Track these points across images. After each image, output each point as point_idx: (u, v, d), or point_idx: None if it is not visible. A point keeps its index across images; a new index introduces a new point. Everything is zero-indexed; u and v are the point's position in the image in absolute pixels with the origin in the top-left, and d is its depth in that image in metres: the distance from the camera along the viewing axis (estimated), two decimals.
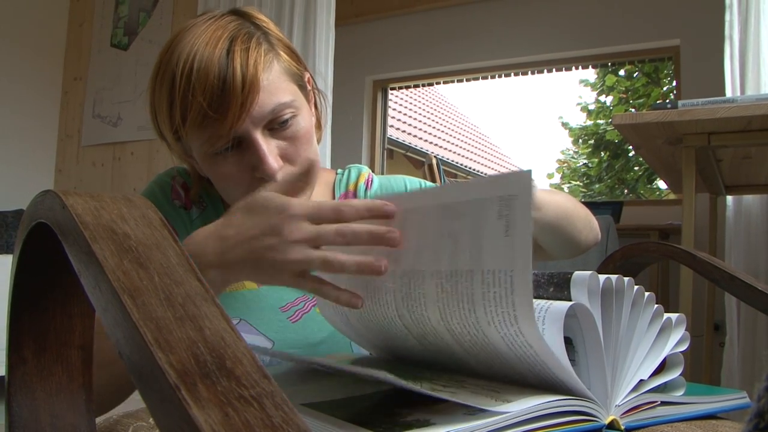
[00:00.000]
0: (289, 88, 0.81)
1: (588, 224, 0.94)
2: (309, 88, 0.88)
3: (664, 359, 0.55)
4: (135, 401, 0.74)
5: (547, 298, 0.51)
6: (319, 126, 0.91)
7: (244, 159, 0.79)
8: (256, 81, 0.76)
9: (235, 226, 0.59)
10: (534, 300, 0.51)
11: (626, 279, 0.50)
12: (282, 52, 0.82)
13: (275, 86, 0.78)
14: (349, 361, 0.62)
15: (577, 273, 0.50)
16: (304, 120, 0.82)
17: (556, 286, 0.51)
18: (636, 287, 0.51)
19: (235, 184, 0.81)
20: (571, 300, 0.49)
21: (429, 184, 1.01)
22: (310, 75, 0.89)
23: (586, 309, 0.47)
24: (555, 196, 0.86)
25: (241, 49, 0.76)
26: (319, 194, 0.96)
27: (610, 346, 0.49)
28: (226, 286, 0.61)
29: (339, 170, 1.02)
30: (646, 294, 0.52)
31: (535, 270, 0.57)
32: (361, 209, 0.56)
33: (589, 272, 0.49)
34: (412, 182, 1.01)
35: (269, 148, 0.78)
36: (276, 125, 0.79)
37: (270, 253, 0.56)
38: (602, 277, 0.49)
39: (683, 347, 0.56)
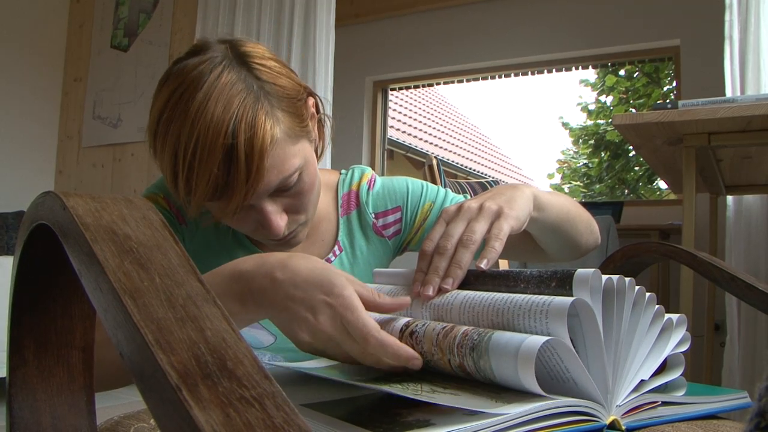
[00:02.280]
0: (293, 152, 0.78)
1: (589, 227, 0.95)
2: (312, 112, 0.86)
3: (665, 359, 0.55)
4: (136, 402, 0.74)
5: (549, 294, 0.51)
6: (321, 138, 0.91)
7: (250, 215, 0.80)
8: (261, 166, 0.74)
9: (289, 274, 0.59)
10: (536, 296, 0.51)
11: (627, 279, 0.50)
12: (283, 114, 0.78)
13: (280, 160, 0.76)
14: (349, 369, 0.61)
15: (580, 270, 0.50)
16: (310, 173, 0.82)
17: (559, 282, 0.52)
18: (637, 288, 0.51)
19: (242, 229, 0.84)
20: (573, 297, 0.49)
21: (432, 186, 1.01)
22: (315, 98, 0.88)
23: (588, 305, 0.47)
24: (558, 198, 0.87)
25: (245, 136, 0.72)
26: (323, 195, 0.97)
27: (611, 345, 0.49)
28: (252, 317, 0.62)
29: (342, 171, 1.03)
30: (647, 295, 0.52)
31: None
32: (390, 357, 0.55)
33: (592, 270, 0.50)
34: (414, 184, 1.01)
35: (275, 209, 0.80)
36: (282, 189, 0.79)
37: (296, 324, 0.58)
38: (604, 277, 0.49)
39: (684, 348, 0.56)
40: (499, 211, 0.70)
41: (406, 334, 0.57)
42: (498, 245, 0.67)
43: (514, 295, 0.53)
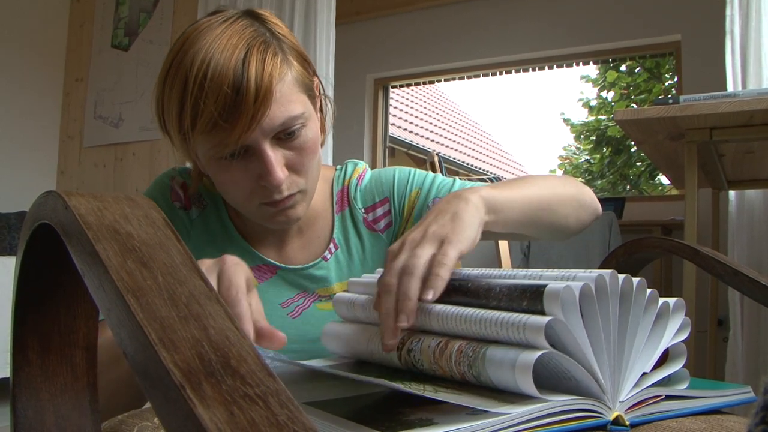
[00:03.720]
0: (299, 99, 0.80)
1: (577, 204, 0.90)
2: (317, 94, 0.87)
3: (666, 350, 0.55)
4: None
5: (521, 311, 0.50)
6: (323, 129, 0.91)
7: (250, 166, 0.79)
8: (270, 93, 0.75)
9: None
10: (508, 313, 0.50)
11: (607, 273, 0.48)
12: (295, 62, 0.81)
13: (287, 98, 0.78)
14: (354, 368, 0.61)
15: (550, 286, 0.48)
16: (312, 131, 0.83)
17: (529, 300, 0.49)
18: (622, 277, 0.49)
19: (238, 188, 0.82)
20: (545, 313, 0.48)
21: (420, 172, 0.99)
22: (319, 80, 0.89)
23: (563, 323, 0.46)
24: (525, 189, 0.83)
25: (256, 59, 0.75)
26: (319, 190, 0.97)
27: (601, 346, 0.48)
28: None
29: (338, 167, 1.02)
30: (635, 281, 0.50)
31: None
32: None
33: (563, 285, 0.47)
34: (402, 172, 0.99)
35: (276, 158, 0.79)
36: (284, 135, 0.79)
37: None
38: (576, 286, 0.47)
39: (684, 335, 0.55)
40: (442, 235, 0.64)
41: (404, 352, 0.56)
42: (444, 272, 0.59)
43: (487, 313, 0.51)
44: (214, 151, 0.78)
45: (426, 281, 0.58)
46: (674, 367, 0.55)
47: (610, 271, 0.49)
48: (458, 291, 0.57)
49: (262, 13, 0.84)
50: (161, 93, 0.80)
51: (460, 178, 1.00)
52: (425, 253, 0.61)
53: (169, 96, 0.78)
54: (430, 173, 0.99)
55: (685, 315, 0.55)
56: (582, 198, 0.92)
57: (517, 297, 0.51)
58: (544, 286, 0.48)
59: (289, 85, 0.79)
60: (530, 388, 0.44)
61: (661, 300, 0.52)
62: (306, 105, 0.82)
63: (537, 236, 0.90)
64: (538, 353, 0.45)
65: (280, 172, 0.79)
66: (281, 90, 0.77)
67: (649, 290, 0.51)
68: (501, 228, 0.78)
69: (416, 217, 0.96)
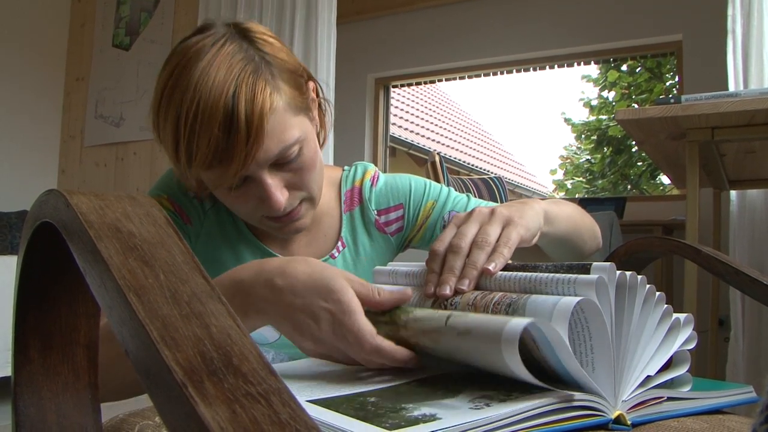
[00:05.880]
0: (293, 123, 0.79)
1: (592, 234, 0.96)
2: (312, 97, 0.87)
3: (671, 356, 0.55)
4: (141, 400, 0.74)
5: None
6: (323, 126, 0.92)
7: (251, 192, 0.80)
8: (261, 130, 0.75)
9: (289, 281, 0.59)
10: (555, 274, 0.54)
11: (639, 276, 0.51)
12: (285, 85, 0.79)
13: (281, 128, 0.77)
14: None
15: (596, 263, 0.52)
16: (310, 149, 0.83)
17: (576, 273, 0.53)
18: (648, 286, 0.52)
19: (242, 207, 0.83)
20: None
21: (434, 185, 1.01)
22: (315, 83, 0.89)
23: (606, 285, 0.49)
24: (565, 208, 0.87)
25: (246, 98, 0.74)
26: (326, 191, 0.97)
27: (620, 340, 0.49)
28: (255, 325, 0.63)
29: (345, 167, 1.03)
30: (657, 294, 0.52)
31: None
32: (388, 361, 0.57)
33: (608, 263, 0.51)
34: (417, 182, 1.01)
35: (275, 183, 0.80)
36: (282, 161, 0.80)
37: (299, 332, 0.59)
38: (618, 271, 0.50)
39: (690, 346, 0.56)
40: (509, 218, 0.69)
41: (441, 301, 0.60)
42: (506, 252, 0.65)
43: (537, 274, 0.56)
44: (213, 183, 0.79)
45: (490, 255, 0.64)
46: (678, 371, 0.55)
47: (641, 276, 0.51)
48: (508, 266, 0.63)
49: (249, 29, 0.82)
50: (156, 120, 0.79)
51: (473, 195, 1.02)
52: (494, 231, 0.67)
53: (164, 128, 0.78)
54: (444, 187, 1.02)
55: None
56: (595, 230, 0.97)
57: (563, 271, 0.54)
58: (590, 263, 0.52)
59: (281, 113, 0.77)
60: (562, 331, 0.46)
61: (673, 315, 0.55)
62: (301, 126, 0.81)
63: (558, 256, 0.92)
64: (581, 298, 0.47)
65: (280, 196, 0.80)
66: (274, 122, 0.76)
67: (665, 305, 0.53)
68: (546, 241, 0.83)
69: (429, 227, 0.99)
